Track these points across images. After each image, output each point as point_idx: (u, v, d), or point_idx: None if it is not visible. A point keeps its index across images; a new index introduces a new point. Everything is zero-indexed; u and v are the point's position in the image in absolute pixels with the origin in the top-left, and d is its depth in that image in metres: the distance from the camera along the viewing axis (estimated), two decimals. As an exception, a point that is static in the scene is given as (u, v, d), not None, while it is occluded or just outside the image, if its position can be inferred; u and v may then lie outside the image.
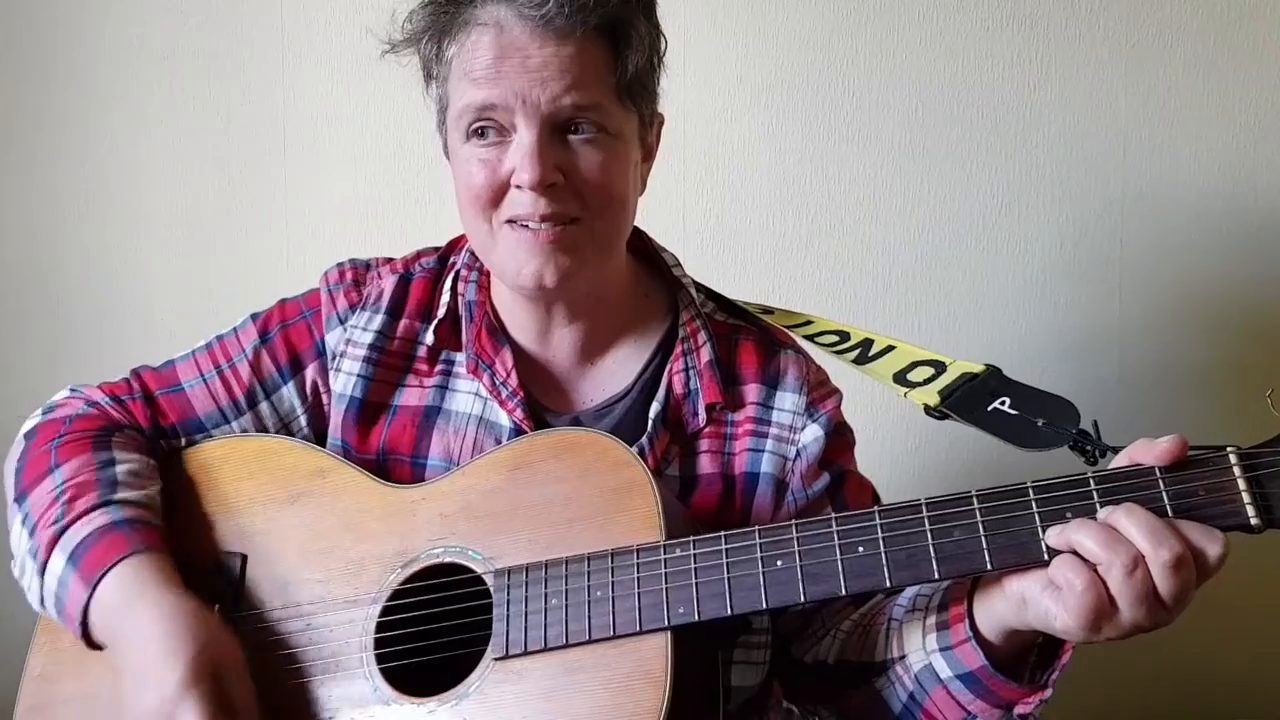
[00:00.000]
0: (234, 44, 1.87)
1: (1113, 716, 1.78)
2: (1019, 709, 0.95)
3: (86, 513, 1.08)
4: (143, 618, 1.01)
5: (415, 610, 1.04)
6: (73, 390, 1.24)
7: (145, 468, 1.16)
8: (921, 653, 0.99)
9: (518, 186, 1.06)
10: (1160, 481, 0.85)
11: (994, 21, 1.72)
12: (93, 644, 1.07)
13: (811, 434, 1.16)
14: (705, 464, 1.14)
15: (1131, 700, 1.77)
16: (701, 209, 1.79)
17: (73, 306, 1.93)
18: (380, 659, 1.04)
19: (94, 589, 1.04)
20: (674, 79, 1.78)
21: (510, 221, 1.08)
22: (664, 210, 1.78)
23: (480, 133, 1.07)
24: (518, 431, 1.14)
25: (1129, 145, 1.71)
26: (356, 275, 1.23)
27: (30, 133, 1.92)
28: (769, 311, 1.24)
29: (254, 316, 1.24)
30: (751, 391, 1.17)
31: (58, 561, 1.07)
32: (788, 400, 1.17)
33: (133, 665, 1.01)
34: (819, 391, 1.19)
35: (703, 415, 1.15)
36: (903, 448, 1.77)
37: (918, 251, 1.76)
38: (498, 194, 1.08)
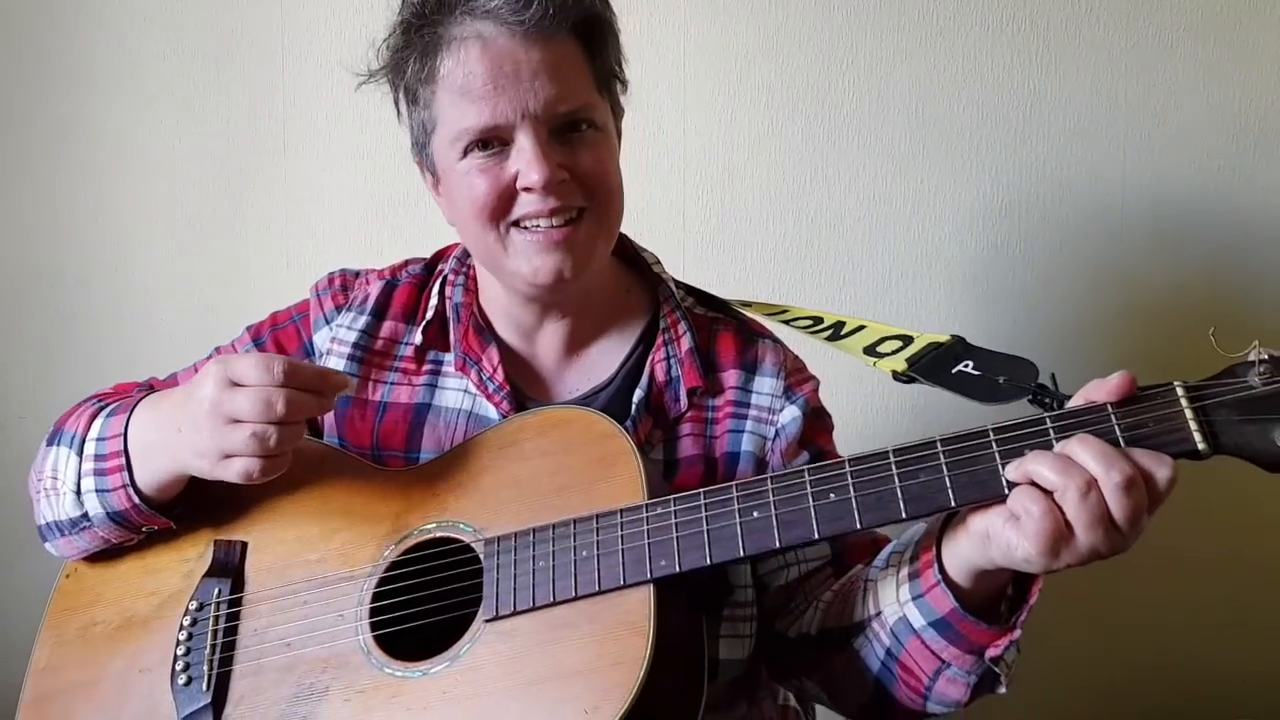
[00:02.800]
0: (234, 44, 1.87)
1: (1113, 716, 1.78)
2: (990, 652, 0.97)
3: (127, 398, 1.15)
4: (177, 391, 1.10)
5: (409, 580, 1.07)
6: None
7: None
8: (895, 605, 1.02)
9: (525, 189, 1.09)
10: (1112, 416, 0.89)
11: (994, 21, 1.72)
12: (134, 480, 1.10)
13: (790, 414, 1.19)
14: (687, 447, 1.18)
15: (1132, 700, 1.77)
16: (701, 209, 1.79)
17: (72, 306, 1.93)
18: (375, 627, 1.07)
19: (131, 413, 1.10)
20: (674, 79, 1.78)
21: (517, 225, 1.11)
22: (664, 210, 1.78)
23: (482, 144, 1.10)
24: None
25: (1129, 145, 1.71)
26: (345, 281, 1.29)
27: (30, 132, 1.92)
28: (747, 305, 1.27)
29: (248, 327, 1.30)
30: (730, 377, 1.21)
31: (96, 426, 1.13)
32: (766, 384, 1.20)
33: (179, 414, 1.05)
34: (796, 376, 1.23)
35: (684, 400, 1.19)
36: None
37: (917, 251, 1.76)
38: (505, 200, 1.10)
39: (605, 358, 1.23)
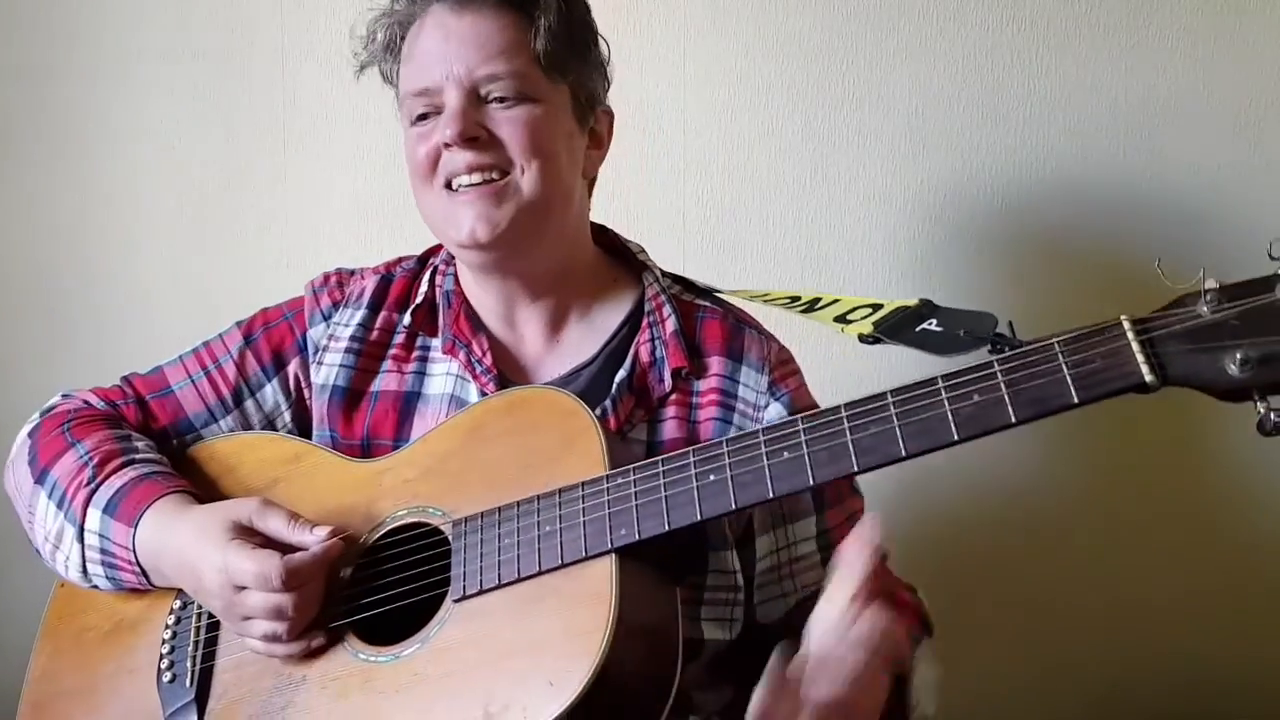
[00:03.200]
0: (234, 44, 1.87)
1: (1113, 716, 1.78)
2: None
3: (117, 470, 1.16)
4: (181, 534, 1.11)
5: (383, 566, 1.10)
6: (65, 396, 1.29)
7: (155, 448, 1.24)
8: None
9: (445, 145, 1.14)
10: (1059, 355, 0.88)
11: (994, 21, 1.72)
12: (151, 582, 1.16)
13: (775, 412, 1.20)
14: (671, 429, 1.19)
15: (1131, 701, 1.77)
16: (701, 209, 1.79)
17: (72, 307, 1.93)
18: (350, 614, 1.09)
19: (135, 527, 1.12)
20: (674, 79, 1.78)
21: (449, 187, 1.16)
22: (664, 210, 1.78)
23: (423, 117, 1.17)
24: None
25: (1129, 145, 1.71)
26: (340, 278, 1.32)
27: (30, 133, 1.92)
28: (732, 293, 1.28)
29: (238, 323, 1.31)
30: (715, 363, 1.21)
31: (94, 518, 1.15)
32: (751, 378, 1.21)
33: (190, 575, 1.10)
34: (781, 370, 1.23)
35: (669, 380, 1.20)
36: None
37: (917, 252, 1.76)
38: (433, 160, 1.16)
39: (586, 341, 1.24)
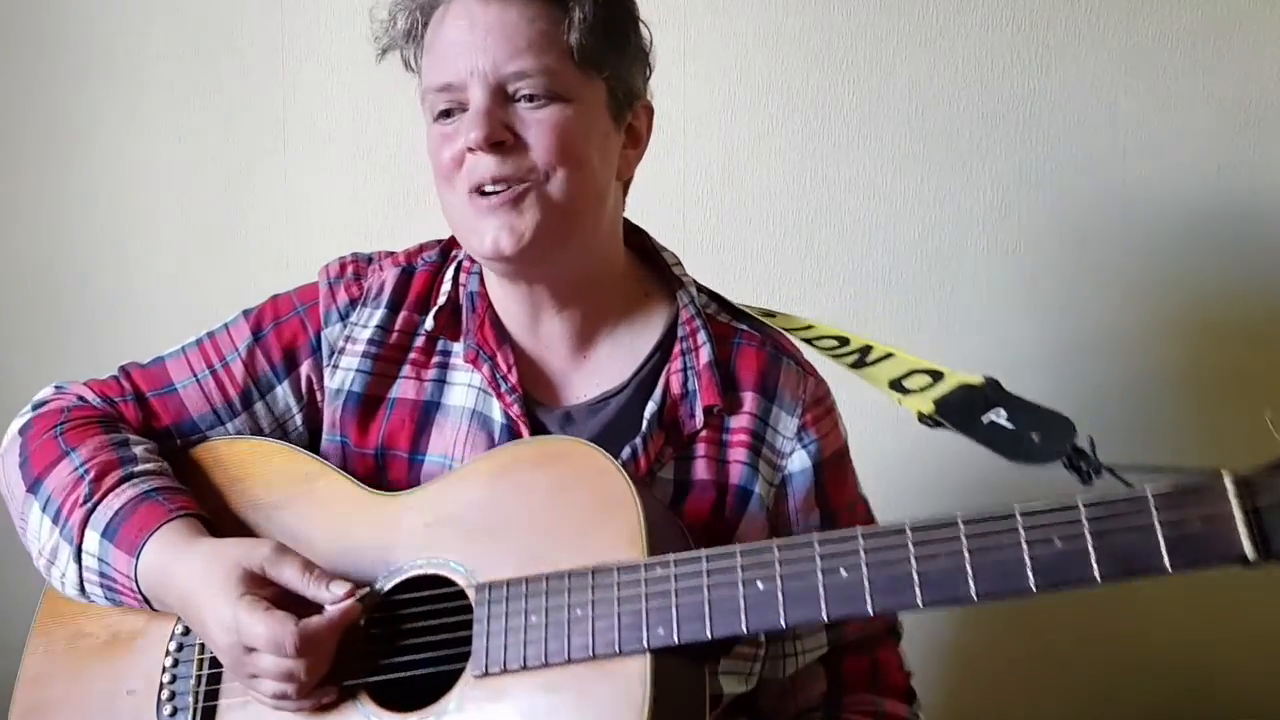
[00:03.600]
0: (234, 44, 1.87)
1: (1112, 716, 1.78)
2: None
3: (115, 487, 1.09)
4: (186, 573, 1.04)
5: (398, 623, 1.04)
6: (58, 388, 1.23)
7: (156, 451, 1.17)
8: None
9: (470, 149, 1.06)
10: (1154, 511, 0.80)
11: (994, 21, 1.72)
12: (154, 609, 1.10)
13: (799, 463, 1.15)
14: (700, 469, 1.12)
15: (1132, 700, 1.78)
16: (701, 209, 1.79)
17: (71, 307, 1.94)
18: (364, 672, 1.03)
19: (138, 557, 1.06)
20: (674, 79, 1.78)
21: (473, 192, 1.08)
22: (664, 210, 1.78)
23: (446, 114, 1.09)
24: (510, 426, 1.13)
25: (1129, 145, 1.71)
26: (358, 269, 1.22)
27: (30, 132, 1.92)
28: (771, 315, 1.21)
29: (246, 313, 1.22)
30: (749, 399, 1.14)
31: (92, 541, 1.08)
32: (782, 421, 1.15)
33: (195, 619, 1.05)
34: (814, 411, 1.16)
35: (700, 417, 1.12)
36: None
37: (917, 251, 1.76)
38: (457, 162, 1.08)
39: (616, 363, 1.16)
